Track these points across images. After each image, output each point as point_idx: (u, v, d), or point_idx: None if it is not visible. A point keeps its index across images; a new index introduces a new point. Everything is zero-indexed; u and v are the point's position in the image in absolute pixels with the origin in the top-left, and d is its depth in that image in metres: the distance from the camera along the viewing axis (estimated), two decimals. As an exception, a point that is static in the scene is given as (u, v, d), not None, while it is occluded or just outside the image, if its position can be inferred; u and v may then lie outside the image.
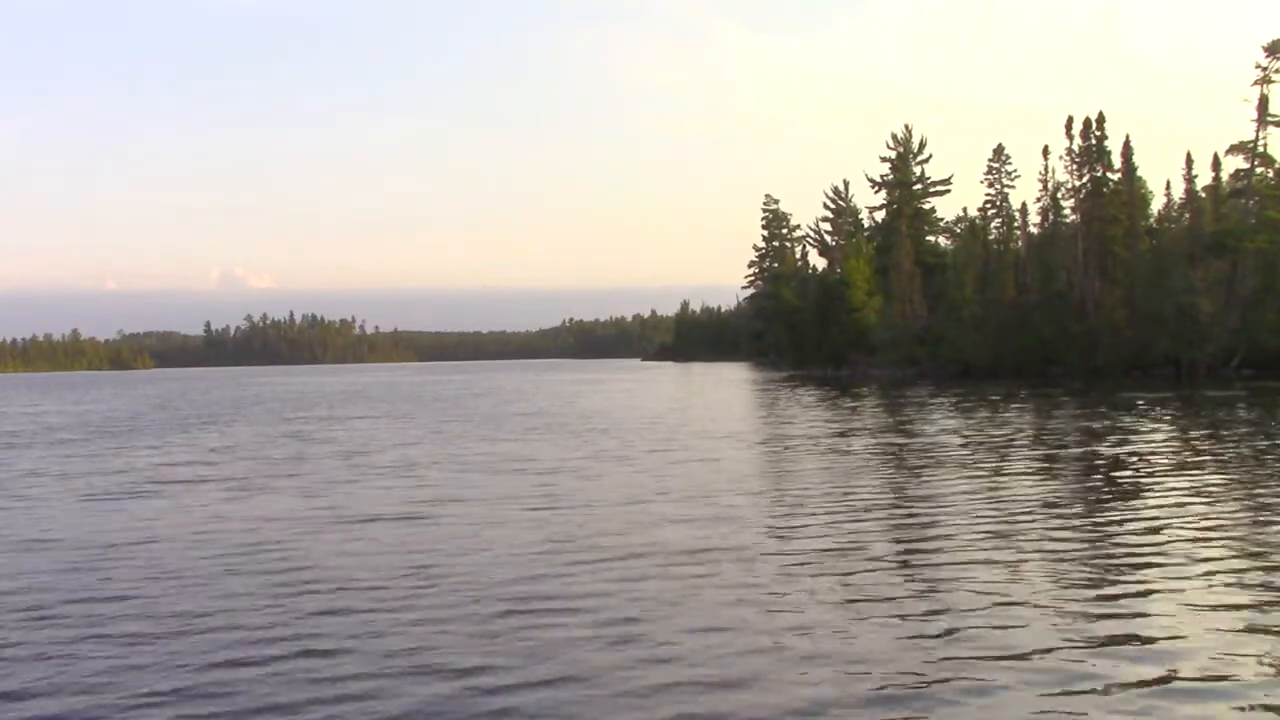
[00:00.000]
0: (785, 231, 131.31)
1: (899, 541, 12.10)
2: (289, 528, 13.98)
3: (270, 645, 8.24)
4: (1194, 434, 25.22)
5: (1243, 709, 6.52)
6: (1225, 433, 25.16)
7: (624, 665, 7.52)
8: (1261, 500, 14.59)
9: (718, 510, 14.51)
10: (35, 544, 13.14)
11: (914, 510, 14.33)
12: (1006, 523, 13.04)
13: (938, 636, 8.12)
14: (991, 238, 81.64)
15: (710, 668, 7.39)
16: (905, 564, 10.86)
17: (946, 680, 7.09)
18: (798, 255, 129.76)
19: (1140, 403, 37.01)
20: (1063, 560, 10.80)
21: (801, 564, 10.81)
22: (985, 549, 11.40)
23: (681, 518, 13.96)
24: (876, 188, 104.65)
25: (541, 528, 13.44)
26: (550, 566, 10.92)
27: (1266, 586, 9.51)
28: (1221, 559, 10.69)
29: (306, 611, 9.31)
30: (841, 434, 27.04)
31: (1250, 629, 8.19)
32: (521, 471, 20.26)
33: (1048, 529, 12.58)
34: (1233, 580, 9.77)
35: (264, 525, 14.26)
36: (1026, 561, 10.74)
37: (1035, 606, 8.89)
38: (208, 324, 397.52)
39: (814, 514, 14.06)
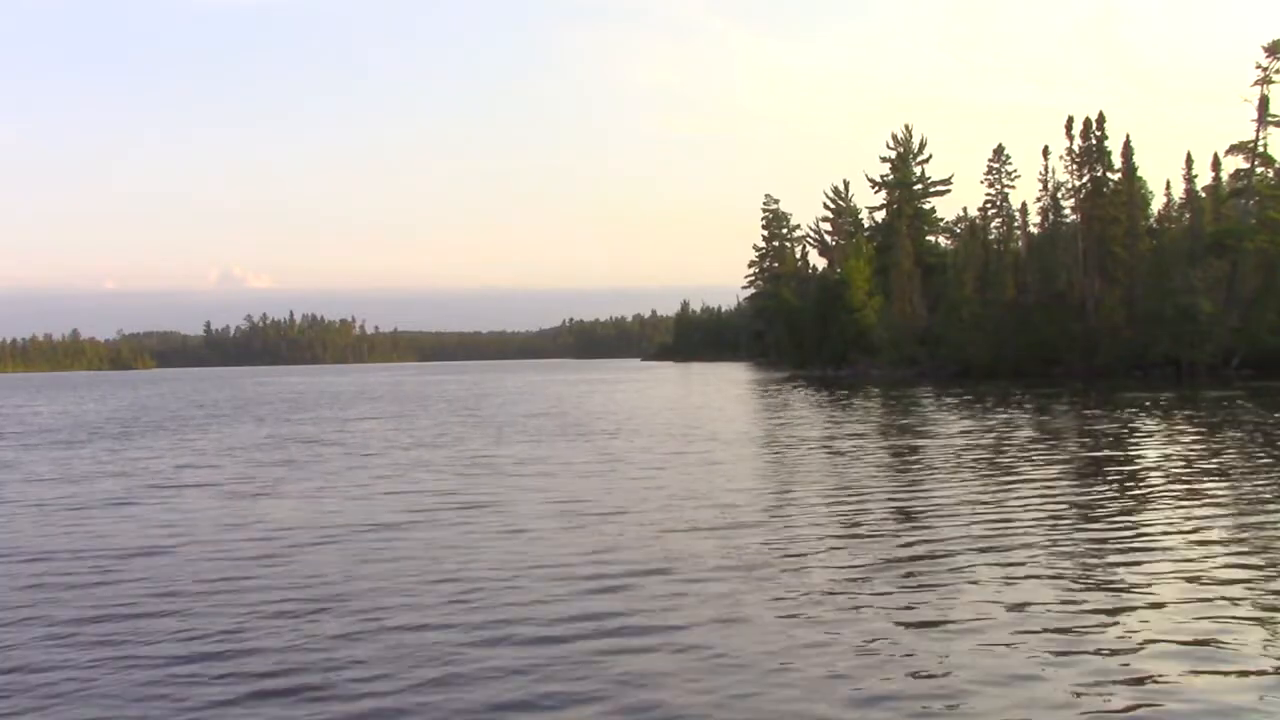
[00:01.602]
0: (785, 231, 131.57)
1: (930, 554, 11.90)
2: (305, 537, 13.65)
3: (292, 670, 7.92)
4: (1196, 434, 25.19)
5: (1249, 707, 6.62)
6: (1229, 433, 25.17)
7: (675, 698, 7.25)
8: (1267, 502, 14.60)
9: (749, 518, 14.29)
10: (42, 556, 12.85)
11: (938, 518, 14.15)
12: (1028, 529, 12.97)
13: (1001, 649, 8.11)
14: (991, 238, 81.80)
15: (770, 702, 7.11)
16: (931, 578, 10.74)
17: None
18: (798, 255, 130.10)
19: (1141, 403, 37.02)
20: (1078, 571, 10.76)
21: (840, 581, 10.47)
22: (1016, 559, 11.31)
23: (713, 525, 13.71)
24: (876, 188, 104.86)
25: (574, 535, 13.21)
26: (589, 580, 10.62)
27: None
28: (1237, 565, 10.70)
29: (331, 633, 8.91)
30: (858, 437, 26.89)
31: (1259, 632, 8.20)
32: (544, 475, 20.06)
33: (1065, 535, 12.51)
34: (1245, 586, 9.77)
35: (280, 534, 13.92)
36: (1045, 568, 10.72)
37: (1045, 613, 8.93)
38: (208, 324, 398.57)
39: (850, 524, 13.78)
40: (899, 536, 12.84)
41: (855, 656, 7.97)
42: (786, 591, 10.03)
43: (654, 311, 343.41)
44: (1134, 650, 7.98)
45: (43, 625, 9.39)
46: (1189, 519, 13.56)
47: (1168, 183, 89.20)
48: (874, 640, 8.37)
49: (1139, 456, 21.08)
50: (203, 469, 22.89)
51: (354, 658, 8.19)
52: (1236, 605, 9.17)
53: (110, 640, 8.85)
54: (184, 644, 8.67)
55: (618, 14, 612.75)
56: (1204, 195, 76.28)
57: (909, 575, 10.64)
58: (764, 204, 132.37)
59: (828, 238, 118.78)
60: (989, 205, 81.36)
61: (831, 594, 9.90)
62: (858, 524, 13.81)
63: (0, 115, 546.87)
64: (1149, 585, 9.98)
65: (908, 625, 8.80)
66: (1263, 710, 6.72)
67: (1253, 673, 7.40)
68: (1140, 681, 7.29)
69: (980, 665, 7.69)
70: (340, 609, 9.68)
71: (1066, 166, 71.05)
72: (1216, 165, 71.80)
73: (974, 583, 10.23)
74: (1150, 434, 25.82)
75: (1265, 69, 64.82)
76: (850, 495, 16.45)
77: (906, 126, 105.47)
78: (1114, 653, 7.93)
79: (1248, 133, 66.23)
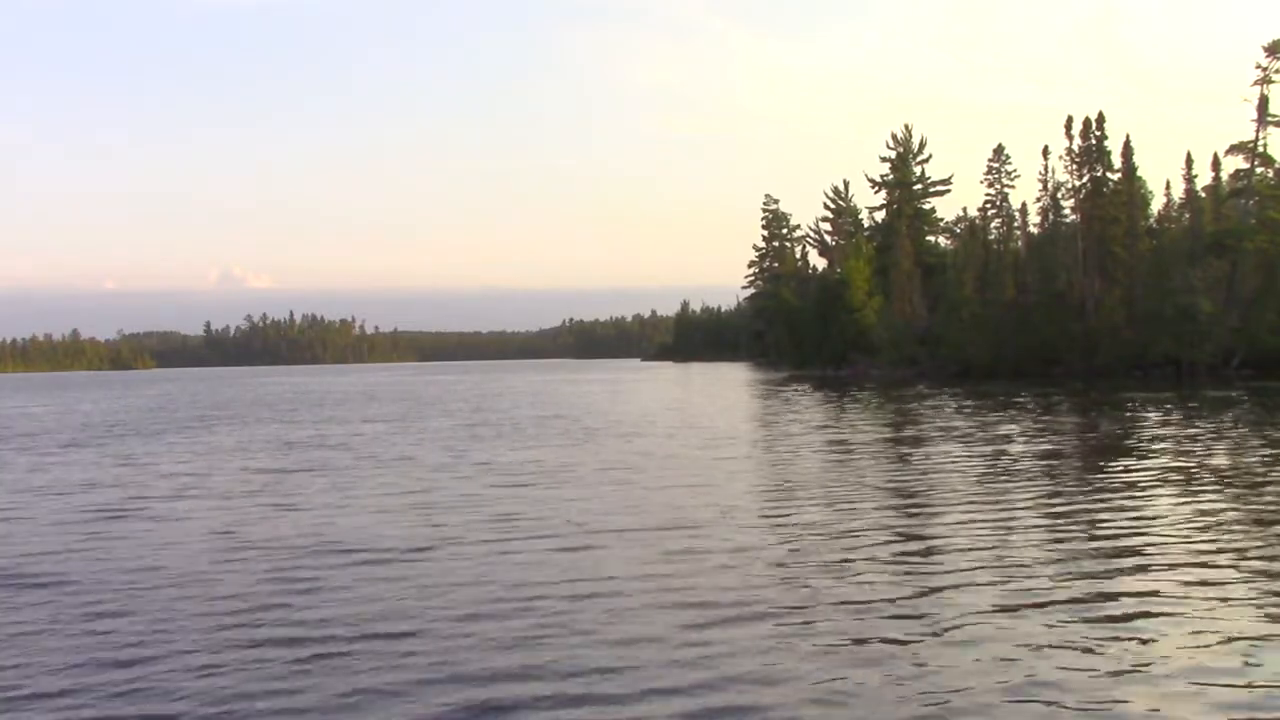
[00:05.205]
0: (785, 231, 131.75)
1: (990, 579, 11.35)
2: (331, 557, 12.41)
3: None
4: (1199, 435, 25.13)
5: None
6: (1234, 434, 25.16)
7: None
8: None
9: (795, 539, 13.16)
10: (59, 580, 12.01)
11: (990, 534, 13.46)
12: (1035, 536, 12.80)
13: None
14: (991, 238, 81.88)
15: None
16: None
17: None
18: (798, 255, 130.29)
19: (1146, 404, 37.02)
20: (1091, 590, 10.60)
21: (904, 622, 9.17)
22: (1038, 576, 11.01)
23: (759, 548, 12.53)
24: (876, 188, 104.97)
25: (618, 558, 12.08)
26: (682, 614, 9.45)
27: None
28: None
29: (380, 683, 7.75)
30: (887, 441, 26.65)
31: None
32: (576, 482, 19.10)
33: (1081, 545, 12.34)
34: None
35: (304, 555, 12.68)
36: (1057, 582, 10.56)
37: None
38: (208, 324, 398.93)
39: (905, 549, 12.48)
40: (949, 558, 11.91)
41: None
42: (846, 632, 9.08)
43: (654, 311, 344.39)
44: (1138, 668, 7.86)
45: (47, 666, 8.62)
46: (1203, 522, 13.34)
47: (1168, 183, 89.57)
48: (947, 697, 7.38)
49: (1144, 457, 20.85)
50: (213, 476, 21.99)
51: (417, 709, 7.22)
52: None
53: (125, 681, 7.93)
54: (207, 699, 7.48)
55: (618, 14, 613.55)
56: (1204, 195, 76.44)
57: (964, 616, 10.01)
58: (764, 204, 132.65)
59: (828, 238, 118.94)
60: (989, 205, 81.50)
61: (901, 642, 8.58)
62: (911, 548, 12.55)
63: (0, 115, 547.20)
64: (1163, 604, 9.80)
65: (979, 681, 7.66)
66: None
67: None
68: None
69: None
70: (391, 643, 8.72)
71: (1066, 166, 71.19)
72: (1216, 165, 72.01)
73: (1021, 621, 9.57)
74: (1162, 436, 25.71)
75: (1265, 69, 64.90)
76: (893, 513, 15.26)
77: (906, 126, 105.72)
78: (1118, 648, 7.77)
79: (1248, 133, 66.38)
